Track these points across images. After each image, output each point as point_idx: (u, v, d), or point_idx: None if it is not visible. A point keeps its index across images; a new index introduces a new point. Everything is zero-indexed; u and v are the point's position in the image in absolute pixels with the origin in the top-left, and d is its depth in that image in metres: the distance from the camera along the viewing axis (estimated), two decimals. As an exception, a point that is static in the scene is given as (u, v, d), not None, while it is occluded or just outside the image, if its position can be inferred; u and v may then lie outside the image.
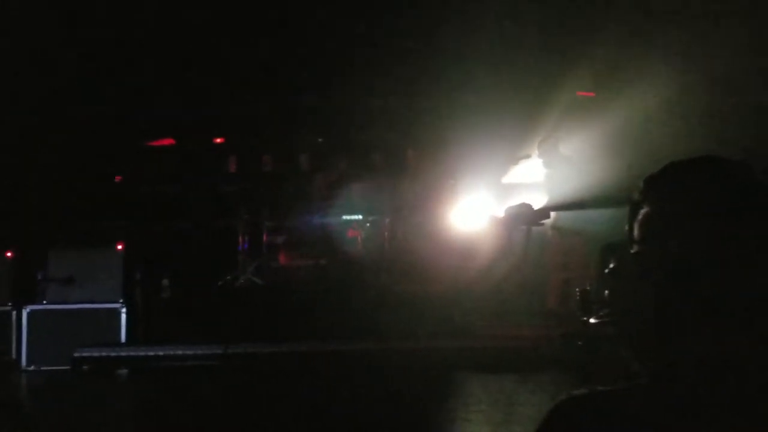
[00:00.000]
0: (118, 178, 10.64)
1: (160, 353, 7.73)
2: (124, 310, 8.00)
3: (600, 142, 8.81)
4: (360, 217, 9.73)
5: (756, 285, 1.00)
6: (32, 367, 7.67)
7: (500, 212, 9.26)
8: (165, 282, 8.69)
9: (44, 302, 8.00)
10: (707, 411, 0.99)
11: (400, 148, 10.95)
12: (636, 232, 1.11)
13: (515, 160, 9.83)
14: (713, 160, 1.10)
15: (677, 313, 1.03)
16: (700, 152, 1.13)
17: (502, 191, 9.80)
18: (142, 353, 7.79)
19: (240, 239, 9.50)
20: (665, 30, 8.29)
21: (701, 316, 1.01)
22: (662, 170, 1.12)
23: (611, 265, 1.01)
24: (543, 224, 8.81)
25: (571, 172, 8.39)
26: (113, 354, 7.72)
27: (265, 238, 9.60)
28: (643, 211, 1.11)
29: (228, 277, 9.21)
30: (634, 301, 1.08)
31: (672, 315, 1.03)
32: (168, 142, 10.83)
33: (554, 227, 8.68)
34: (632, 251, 1.11)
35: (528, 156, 9.72)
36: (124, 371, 7.69)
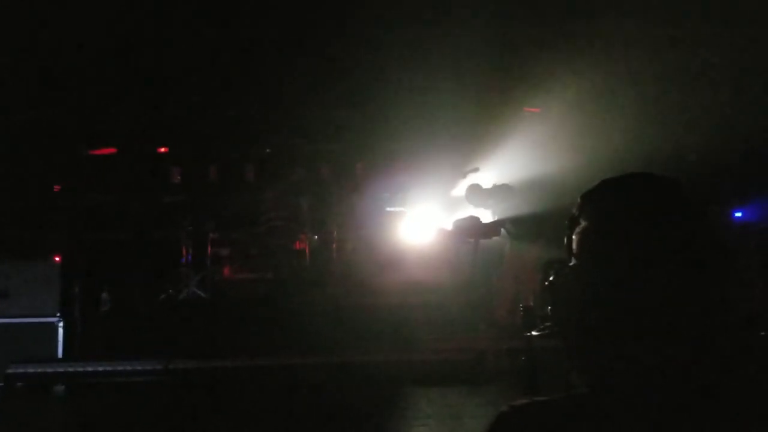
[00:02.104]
0: (56, 188, 10.34)
1: (99, 369, 7.52)
2: (61, 324, 7.78)
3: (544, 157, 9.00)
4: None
5: (686, 295, 1.05)
6: (-37, 385, 7.36)
7: (448, 225, 9.32)
8: (104, 295, 8.48)
9: (-23, 317, 7.70)
10: (644, 419, 1.02)
11: (349, 161, 10.93)
12: (573, 245, 1.15)
13: (464, 174, 9.92)
14: (644, 176, 1.14)
15: (613, 324, 1.07)
16: (635, 168, 1.17)
17: (450, 204, 9.87)
18: (80, 369, 7.56)
19: (183, 251, 9.32)
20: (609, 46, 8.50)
21: (636, 327, 1.05)
22: (597, 186, 1.16)
23: (550, 278, 1.03)
24: (490, 238, 8.92)
25: (509, 202, 8.61)
26: (49, 370, 7.49)
27: (209, 250, 9.44)
28: (579, 226, 1.15)
29: (170, 291, 9.03)
30: (571, 312, 1.11)
31: (607, 325, 1.07)
32: (109, 150, 10.57)
33: (510, 240, 8.80)
34: (570, 264, 1.15)
35: (476, 169, 9.83)
36: (60, 388, 7.44)
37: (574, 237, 1.15)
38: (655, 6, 8.09)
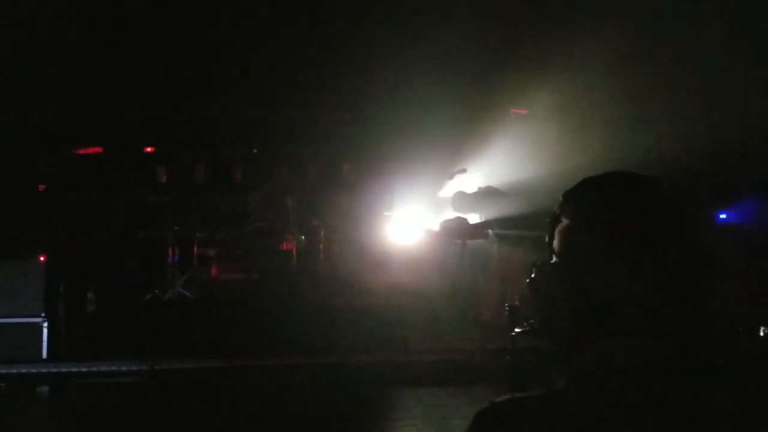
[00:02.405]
0: (41, 187, 10.25)
1: (84, 370, 7.45)
2: (45, 324, 7.70)
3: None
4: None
5: (667, 293, 1.07)
6: (-54, 385, 7.28)
7: (436, 226, 9.32)
8: (90, 295, 8.40)
9: (-40, 317, 7.62)
10: (624, 415, 1.03)
11: (337, 162, 10.92)
12: (555, 243, 1.16)
13: (451, 175, 9.93)
14: (625, 175, 1.16)
15: (593, 321, 1.09)
16: (619, 167, 1.19)
17: (438, 205, 9.88)
18: (64, 370, 7.49)
19: (170, 251, 9.26)
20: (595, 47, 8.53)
21: (616, 324, 1.07)
22: (578, 184, 1.17)
23: (532, 275, 1.05)
24: (478, 240, 8.94)
25: (495, 204, 8.65)
26: (33, 371, 7.41)
27: (195, 250, 9.39)
28: (561, 224, 1.16)
29: (156, 291, 8.97)
30: (552, 309, 1.13)
31: (588, 322, 1.09)
32: (95, 150, 10.50)
33: (497, 240, 8.83)
34: (551, 261, 1.16)
35: (464, 170, 9.84)
36: (45, 389, 7.37)
37: (555, 235, 1.16)
38: (641, 11, 8.14)
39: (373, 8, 9.00)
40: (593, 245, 1.10)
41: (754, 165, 9.03)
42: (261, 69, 9.90)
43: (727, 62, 8.55)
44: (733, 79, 8.64)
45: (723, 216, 9.53)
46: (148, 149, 10.74)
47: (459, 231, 8.98)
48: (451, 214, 9.42)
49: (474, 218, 9.30)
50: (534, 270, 1.17)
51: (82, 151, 10.51)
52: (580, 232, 1.12)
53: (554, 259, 1.16)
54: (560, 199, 1.19)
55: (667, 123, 9.49)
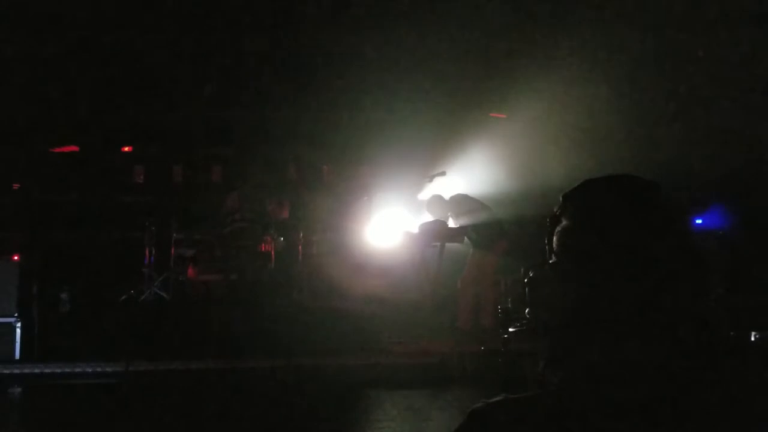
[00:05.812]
0: (15, 186, 10.10)
1: (57, 371, 7.36)
2: (18, 324, 7.59)
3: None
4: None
5: (663, 296, 1.07)
6: None
7: (414, 228, 9.34)
8: (64, 295, 8.30)
9: (-69, 316, 7.49)
10: (616, 416, 1.03)
11: (316, 163, 10.90)
12: (555, 243, 1.17)
13: (431, 178, 9.97)
14: (626, 178, 1.17)
15: (589, 322, 1.09)
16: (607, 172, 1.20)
17: (417, 207, 9.90)
18: (37, 371, 7.39)
19: (146, 252, 9.17)
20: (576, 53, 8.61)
21: (611, 325, 1.08)
22: (579, 186, 1.18)
23: (530, 274, 1.06)
24: (456, 243, 8.98)
25: (468, 210, 8.70)
26: (6, 371, 7.31)
27: (172, 250, 9.31)
28: (561, 225, 1.17)
29: (132, 291, 8.88)
30: (548, 309, 1.13)
31: (583, 323, 1.10)
32: (71, 149, 10.37)
33: (472, 245, 8.88)
34: (550, 261, 1.17)
35: (443, 173, 9.88)
36: (17, 390, 7.26)
37: (554, 236, 1.17)
38: (621, 18, 8.23)
39: (354, 13, 9.00)
40: (592, 247, 1.11)
41: (719, 172, 9.19)
42: (241, 70, 9.86)
43: (706, 69, 8.68)
44: (708, 86, 8.77)
45: (699, 221, 9.69)
46: (126, 149, 10.64)
47: (437, 234, 9.01)
48: (430, 216, 9.45)
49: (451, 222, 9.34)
50: (532, 270, 1.18)
51: (58, 150, 10.38)
52: (580, 233, 1.13)
53: (553, 259, 1.16)
54: (560, 200, 1.19)
55: (643, 130, 9.59)
